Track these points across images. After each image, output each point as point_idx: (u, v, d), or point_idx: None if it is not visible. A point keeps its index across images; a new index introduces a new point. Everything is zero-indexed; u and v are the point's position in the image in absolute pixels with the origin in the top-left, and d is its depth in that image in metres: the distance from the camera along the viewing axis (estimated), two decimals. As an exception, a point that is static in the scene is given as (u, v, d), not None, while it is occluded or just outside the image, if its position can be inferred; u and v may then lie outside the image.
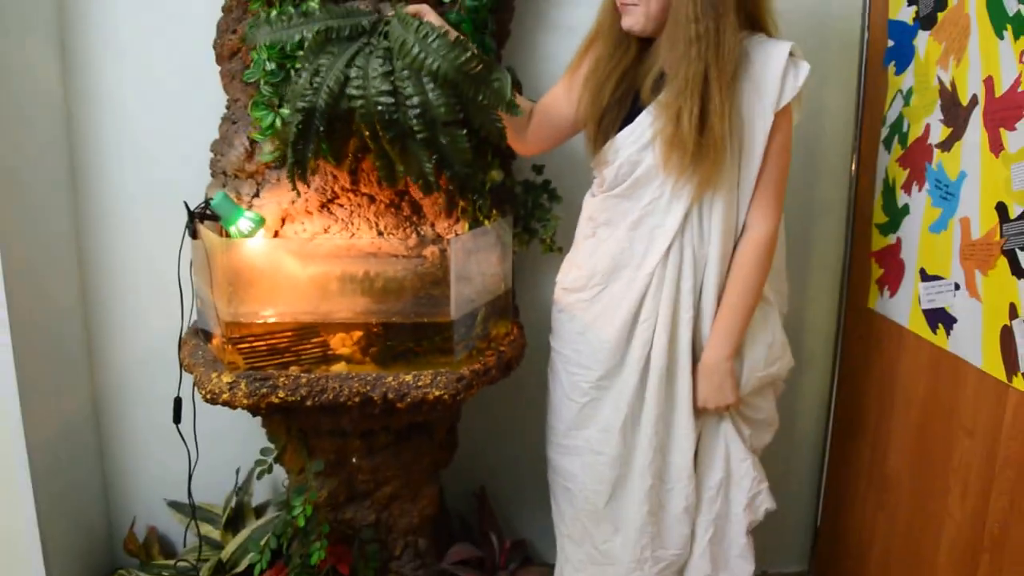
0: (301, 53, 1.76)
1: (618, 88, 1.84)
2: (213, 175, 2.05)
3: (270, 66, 1.84)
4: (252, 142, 1.94)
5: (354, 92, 1.69)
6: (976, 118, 1.81)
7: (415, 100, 1.68)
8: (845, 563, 2.47)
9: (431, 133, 1.71)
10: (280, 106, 1.85)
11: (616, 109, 1.85)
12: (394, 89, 1.69)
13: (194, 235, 1.91)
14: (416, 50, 1.67)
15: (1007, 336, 1.73)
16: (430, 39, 1.68)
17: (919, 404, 2.07)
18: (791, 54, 1.75)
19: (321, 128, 1.72)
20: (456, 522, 2.49)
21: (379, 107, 1.68)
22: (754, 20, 1.79)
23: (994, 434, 1.80)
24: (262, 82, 1.85)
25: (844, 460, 2.48)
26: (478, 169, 1.92)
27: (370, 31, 1.76)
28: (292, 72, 1.84)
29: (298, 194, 1.89)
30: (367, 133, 1.74)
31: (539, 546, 2.58)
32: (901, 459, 2.16)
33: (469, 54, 1.67)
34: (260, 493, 2.49)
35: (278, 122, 1.84)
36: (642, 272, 1.85)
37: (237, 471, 2.41)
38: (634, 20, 1.77)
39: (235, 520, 2.38)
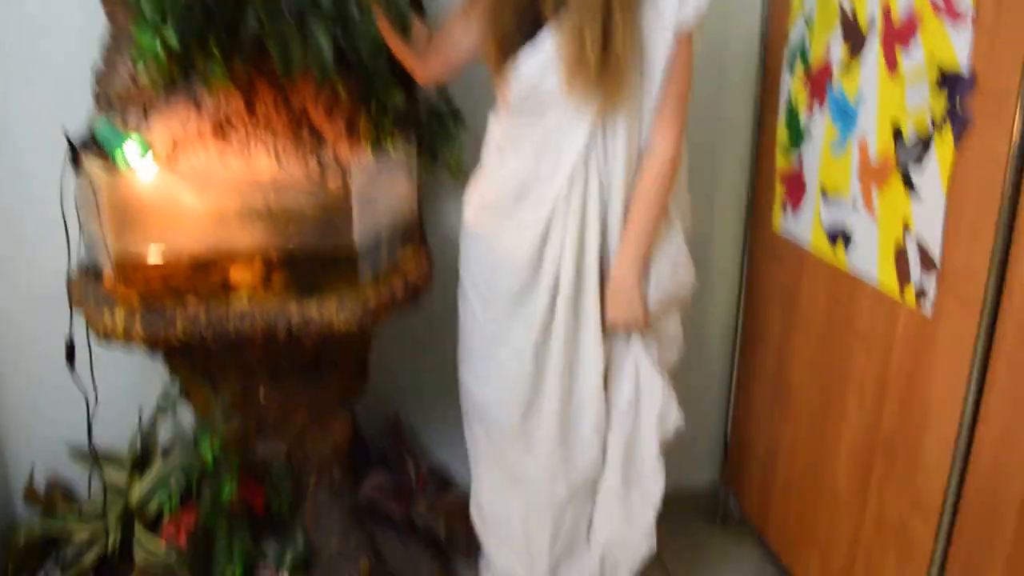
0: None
1: (518, 10, 1.80)
2: (96, 101, 1.93)
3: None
4: (138, 65, 1.83)
5: None
6: (874, 39, 1.83)
7: None
8: (754, 472, 2.55)
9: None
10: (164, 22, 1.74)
11: (517, 32, 1.81)
12: None
13: (76, 166, 1.81)
14: None
15: (900, 252, 1.78)
16: None
17: (820, 319, 2.13)
18: None
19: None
20: (372, 450, 2.48)
21: None
22: None
23: (887, 345, 1.86)
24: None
25: (751, 374, 2.55)
26: (384, 61, 1.85)
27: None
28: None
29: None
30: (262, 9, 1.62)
31: (457, 469, 2.60)
32: (804, 372, 2.22)
33: None
34: (166, 433, 2.43)
35: (158, 45, 1.74)
36: (549, 193, 1.84)
37: (140, 411, 2.34)
38: None
39: (141, 463, 2.31)
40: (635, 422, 2.01)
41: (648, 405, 2.00)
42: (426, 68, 1.98)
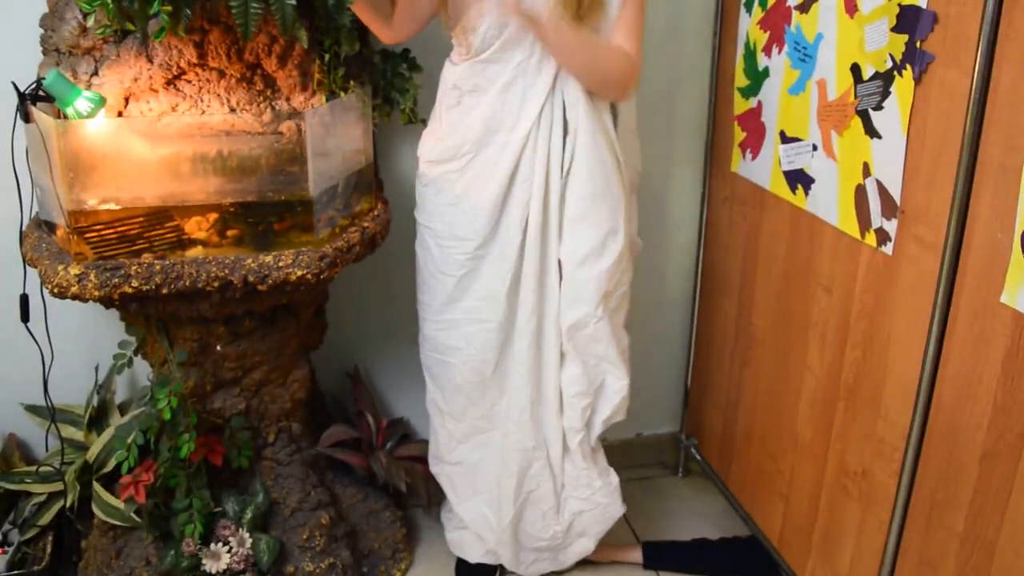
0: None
1: None
2: (45, 53, 1.88)
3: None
4: (87, 15, 1.79)
5: None
6: (832, -20, 1.81)
7: None
8: (714, 420, 2.56)
9: None
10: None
11: None
12: None
13: (27, 119, 1.77)
14: None
15: (860, 194, 1.78)
16: None
17: (781, 263, 2.13)
18: None
19: None
20: (330, 404, 2.46)
21: None
22: None
23: (848, 289, 1.86)
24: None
25: (711, 320, 2.55)
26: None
27: None
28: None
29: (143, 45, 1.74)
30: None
31: (416, 423, 2.59)
32: (765, 317, 2.23)
33: None
34: (123, 389, 2.40)
35: (109, -9, 1.69)
36: (516, 135, 1.83)
37: (96, 368, 2.31)
38: None
39: (98, 419, 2.29)
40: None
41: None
42: (392, 29, 1.94)
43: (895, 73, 1.63)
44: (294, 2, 1.61)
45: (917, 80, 1.58)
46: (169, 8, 1.64)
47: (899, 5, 1.60)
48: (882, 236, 1.72)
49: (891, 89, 1.65)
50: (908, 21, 1.59)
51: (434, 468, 2.23)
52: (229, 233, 1.83)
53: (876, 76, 1.69)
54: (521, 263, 1.91)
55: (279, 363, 2.06)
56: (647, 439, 2.82)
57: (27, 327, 1.96)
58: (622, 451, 2.75)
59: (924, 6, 1.54)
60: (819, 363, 1.99)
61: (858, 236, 1.80)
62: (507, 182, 1.86)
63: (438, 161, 1.94)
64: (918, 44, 1.57)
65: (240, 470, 2.12)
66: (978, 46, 1.43)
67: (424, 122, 2.03)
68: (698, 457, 2.68)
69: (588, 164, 1.84)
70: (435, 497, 2.30)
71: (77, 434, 2.26)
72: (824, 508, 2.01)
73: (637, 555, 2.37)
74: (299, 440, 2.17)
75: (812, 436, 2.04)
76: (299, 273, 1.76)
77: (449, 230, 1.94)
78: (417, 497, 2.35)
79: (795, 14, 1.96)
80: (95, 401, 2.29)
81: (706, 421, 2.63)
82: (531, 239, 1.89)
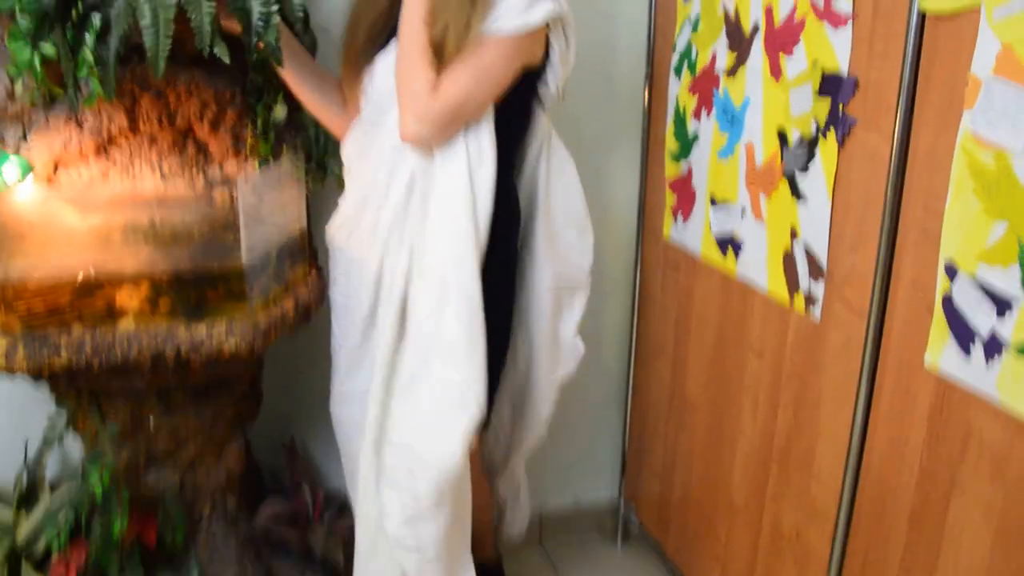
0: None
1: (375, 26, 1.80)
2: (-26, 118, 1.86)
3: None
4: (14, 80, 1.77)
5: None
6: (758, 45, 1.86)
7: None
8: (652, 484, 2.56)
9: None
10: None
11: (371, 45, 1.80)
12: None
13: (-47, 187, 1.75)
14: None
15: (788, 258, 1.81)
16: None
17: (713, 328, 2.15)
18: None
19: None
20: (267, 476, 2.41)
21: None
22: None
23: (779, 352, 1.89)
24: (18, 10, 1.68)
25: (647, 386, 2.56)
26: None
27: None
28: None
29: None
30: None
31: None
32: (699, 382, 2.24)
33: None
34: (54, 466, 2.34)
35: (37, 60, 1.68)
36: (389, 202, 1.76)
37: (25, 445, 2.25)
38: None
39: (28, 499, 2.21)
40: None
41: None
42: (344, 120, 1.91)
43: (820, 136, 1.68)
44: (213, 11, 1.57)
45: (840, 143, 1.63)
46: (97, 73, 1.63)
47: (822, 71, 1.66)
48: (810, 300, 1.76)
49: (816, 154, 1.70)
50: (831, 85, 1.64)
51: None
52: (161, 303, 1.80)
53: (801, 141, 1.74)
54: (401, 338, 1.79)
55: (214, 436, 2.02)
56: (584, 506, 2.80)
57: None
58: (559, 518, 2.74)
59: (846, 71, 1.60)
60: (752, 427, 2.00)
61: (787, 301, 1.83)
62: (383, 251, 1.79)
63: (334, 230, 1.92)
64: (841, 109, 1.62)
65: (174, 548, 2.05)
66: (897, 111, 1.48)
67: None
68: (636, 522, 2.67)
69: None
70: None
71: (5, 514, 2.19)
72: (760, 572, 2.01)
73: None
74: (235, 515, 2.12)
75: (746, 499, 2.04)
76: (233, 345, 1.74)
77: (344, 300, 1.91)
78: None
79: (723, 78, 2.01)
80: (24, 479, 2.22)
81: (644, 486, 2.63)
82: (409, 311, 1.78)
